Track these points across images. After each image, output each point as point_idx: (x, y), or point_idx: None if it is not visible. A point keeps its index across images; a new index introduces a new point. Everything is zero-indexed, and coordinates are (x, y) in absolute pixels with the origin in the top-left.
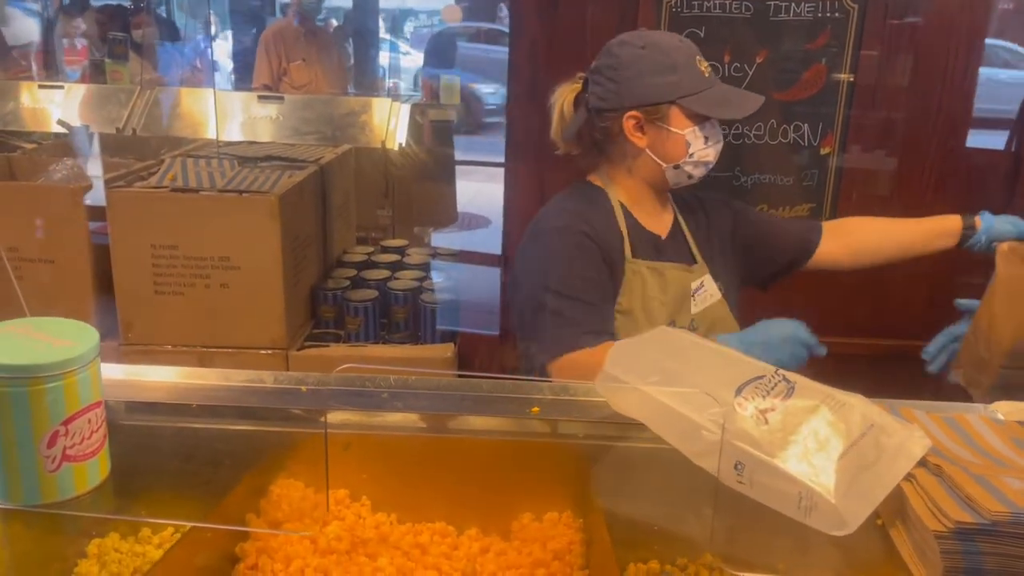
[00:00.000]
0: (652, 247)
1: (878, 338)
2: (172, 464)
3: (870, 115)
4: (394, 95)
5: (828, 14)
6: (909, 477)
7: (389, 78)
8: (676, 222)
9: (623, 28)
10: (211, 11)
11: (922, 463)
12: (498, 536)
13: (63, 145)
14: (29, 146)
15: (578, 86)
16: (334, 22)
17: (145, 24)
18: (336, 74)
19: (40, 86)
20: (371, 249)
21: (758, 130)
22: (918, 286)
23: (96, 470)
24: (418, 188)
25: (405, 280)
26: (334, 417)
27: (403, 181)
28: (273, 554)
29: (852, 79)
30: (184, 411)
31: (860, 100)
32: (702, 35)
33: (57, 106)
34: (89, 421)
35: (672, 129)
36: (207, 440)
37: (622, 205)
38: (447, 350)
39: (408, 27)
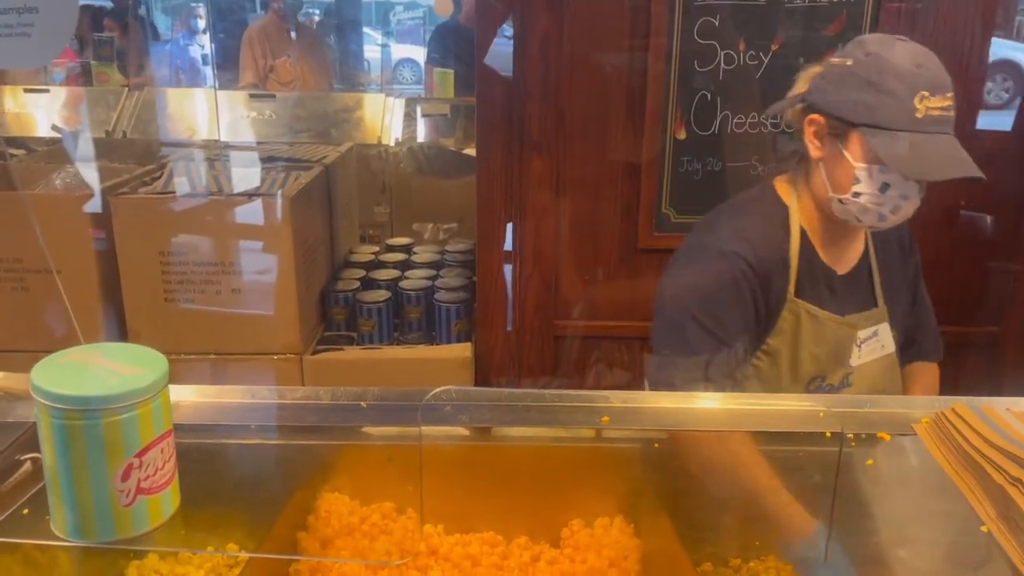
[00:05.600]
0: (824, 286)
1: None
2: (228, 485)
3: None
4: (387, 90)
5: None
6: (1014, 482)
7: (380, 72)
8: (865, 256)
9: (636, 17)
10: (202, 7)
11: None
12: (548, 544)
13: (57, 151)
14: (17, 152)
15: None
16: (316, 16)
17: (132, 25)
18: (322, 69)
19: (25, 90)
20: (376, 248)
21: (774, 118)
22: (933, 272)
23: (169, 501)
24: (416, 184)
25: (416, 279)
26: (374, 430)
27: (401, 177)
28: (327, 573)
29: None
30: (239, 431)
31: None
32: (716, 23)
33: (43, 110)
34: (162, 451)
35: (846, 155)
36: (262, 459)
37: (803, 231)
38: (465, 350)
39: (392, 19)
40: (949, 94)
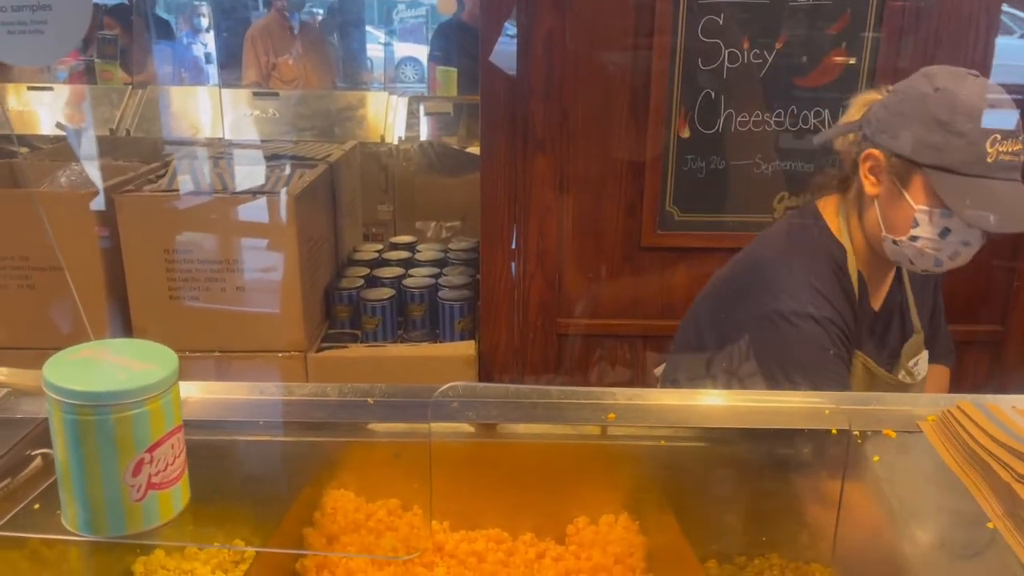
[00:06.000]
0: (866, 328)
1: None
2: (235, 481)
3: None
4: (390, 88)
5: None
6: (1020, 479)
7: (383, 70)
8: (899, 282)
9: (640, 15)
10: (205, 6)
11: None
12: (553, 541)
13: (61, 149)
14: (22, 150)
15: (878, 96)
16: (319, 15)
17: (136, 23)
18: (325, 68)
19: (28, 88)
20: (380, 246)
21: (778, 116)
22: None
23: (179, 497)
24: (419, 182)
25: (420, 277)
26: (381, 426)
27: (404, 175)
28: (334, 568)
29: (872, 63)
30: (247, 427)
31: (881, 84)
32: (721, 22)
33: (46, 108)
34: (172, 447)
35: (906, 195)
36: (269, 455)
37: (861, 277)
38: (468, 348)
39: (395, 17)
40: (1021, 137)
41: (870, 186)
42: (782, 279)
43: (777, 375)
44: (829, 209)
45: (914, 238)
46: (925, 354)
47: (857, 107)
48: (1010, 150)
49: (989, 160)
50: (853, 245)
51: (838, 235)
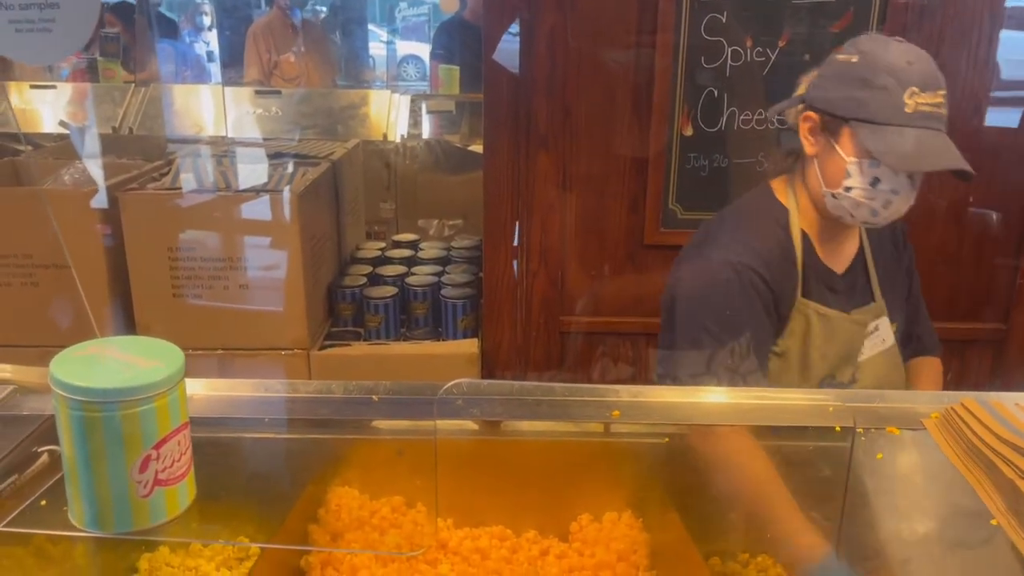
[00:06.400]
0: (825, 286)
1: None
2: (240, 478)
3: None
4: (392, 86)
5: None
6: (1022, 475)
7: (385, 68)
8: (860, 253)
9: (643, 13)
10: (207, 4)
11: None
12: (556, 538)
13: (64, 147)
14: (25, 148)
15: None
16: (322, 12)
17: (138, 21)
18: (327, 66)
19: (31, 86)
20: (383, 244)
21: (781, 114)
22: (940, 269)
23: (185, 493)
24: (422, 180)
25: (422, 275)
26: (385, 424)
27: (406, 173)
28: (338, 565)
29: None
30: (252, 424)
31: None
32: (723, 19)
33: (49, 106)
34: (179, 443)
35: (837, 149)
36: (274, 452)
37: (804, 235)
38: (471, 346)
39: (397, 15)
40: (941, 91)
41: (809, 147)
42: (714, 235)
43: (692, 318)
44: (779, 185)
45: (848, 188)
46: (885, 321)
47: (804, 84)
48: (929, 102)
49: (907, 111)
50: (799, 207)
51: (781, 199)
